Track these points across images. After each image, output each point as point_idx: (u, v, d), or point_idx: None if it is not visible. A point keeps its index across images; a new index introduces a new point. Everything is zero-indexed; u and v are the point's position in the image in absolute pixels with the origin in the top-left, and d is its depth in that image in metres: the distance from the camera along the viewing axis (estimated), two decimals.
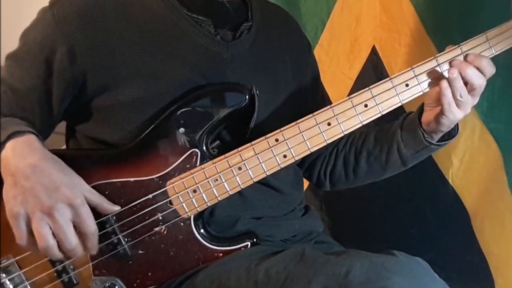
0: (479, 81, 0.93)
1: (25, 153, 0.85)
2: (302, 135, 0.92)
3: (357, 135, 1.13)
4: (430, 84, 0.94)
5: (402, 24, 1.44)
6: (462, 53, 0.94)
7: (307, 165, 1.18)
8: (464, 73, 0.92)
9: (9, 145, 0.85)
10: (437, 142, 1.03)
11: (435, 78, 0.94)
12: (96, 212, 0.89)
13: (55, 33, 0.91)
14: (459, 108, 0.94)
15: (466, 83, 0.93)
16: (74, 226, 0.86)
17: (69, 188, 0.85)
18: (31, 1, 1.09)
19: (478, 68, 0.93)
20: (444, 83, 0.92)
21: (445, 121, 0.96)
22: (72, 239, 0.86)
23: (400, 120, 1.07)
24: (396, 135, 1.05)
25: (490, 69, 0.93)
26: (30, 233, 0.85)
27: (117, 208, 0.91)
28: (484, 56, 0.93)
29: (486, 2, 1.22)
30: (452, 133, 1.03)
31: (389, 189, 1.47)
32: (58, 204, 0.84)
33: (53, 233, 0.85)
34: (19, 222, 0.84)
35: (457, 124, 1.02)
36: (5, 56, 0.97)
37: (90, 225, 0.87)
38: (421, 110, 1.01)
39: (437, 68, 0.94)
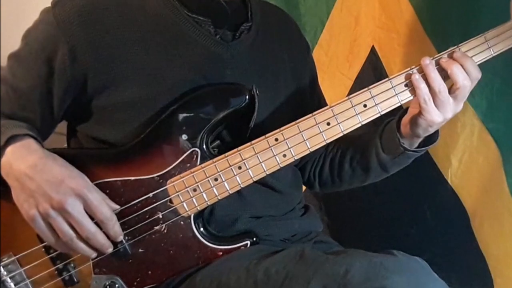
0: (464, 81, 0.89)
1: (24, 156, 0.87)
2: (302, 134, 0.93)
3: (344, 139, 1.12)
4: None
5: (401, 24, 1.43)
6: None
7: (300, 165, 1.18)
8: (450, 70, 0.90)
9: (9, 150, 0.87)
10: (416, 148, 1.00)
11: None
12: None
13: (57, 33, 0.92)
14: (438, 109, 0.91)
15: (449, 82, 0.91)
16: (91, 217, 0.87)
17: (73, 178, 0.87)
18: (31, 1, 1.10)
19: (462, 67, 0.90)
20: (416, 75, 0.90)
21: (421, 122, 0.93)
22: (89, 227, 0.86)
23: (383, 124, 1.05)
24: (375, 140, 1.04)
25: (474, 72, 0.90)
26: (53, 231, 0.87)
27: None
28: (470, 58, 0.91)
29: (485, 3, 1.22)
30: (432, 139, 1.00)
31: (388, 189, 1.48)
32: (67, 196, 0.85)
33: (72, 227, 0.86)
34: (38, 224, 0.86)
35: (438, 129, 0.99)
36: (6, 56, 0.98)
37: (104, 210, 0.87)
38: (401, 115, 1.00)
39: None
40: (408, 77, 0.92)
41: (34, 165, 0.85)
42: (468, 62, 0.90)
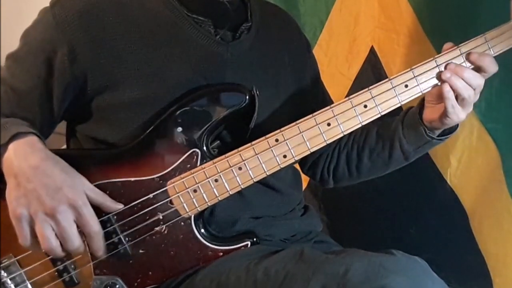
0: (478, 81, 0.93)
1: (27, 154, 0.86)
2: (302, 135, 0.93)
3: (358, 132, 1.13)
4: (429, 85, 0.94)
5: (401, 24, 1.44)
6: (461, 54, 0.94)
7: (310, 163, 1.19)
8: (461, 77, 0.92)
9: (11, 146, 0.86)
10: (438, 136, 1.03)
11: (434, 79, 0.94)
12: (98, 211, 0.89)
13: (56, 33, 0.91)
14: (464, 109, 0.95)
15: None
16: (78, 227, 0.87)
17: (71, 188, 0.86)
18: (31, 1, 1.10)
19: (480, 67, 0.93)
20: (446, 87, 0.93)
21: (449, 122, 0.97)
22: (74, 240, 0.86)
23: (401, 116, 1.07)
24: (398, 132, 1.05)
25: (493, 67, 0.94)
26: (33, 233, 0.86)
27: (120, 206, 0.91)
28: (488, 55, 0.94)
29: (485, 3, 1.22)
30: (452, 127, 1.03)
31: (388, 188, 1.48)
32: (61, 205, 0.84)
33: (56, 234, 0.85)
34: (22, 223, 0.85)
35: None
36: (5, 56, 0.98)
37: (93, 225, 0.87)
38: (421, 106, 1.02)
39: (436, 69, 0.94)
40: (408, 78, 0.94)
41: (36, 167, 0.85)
42: (486, 61, 0.93)
